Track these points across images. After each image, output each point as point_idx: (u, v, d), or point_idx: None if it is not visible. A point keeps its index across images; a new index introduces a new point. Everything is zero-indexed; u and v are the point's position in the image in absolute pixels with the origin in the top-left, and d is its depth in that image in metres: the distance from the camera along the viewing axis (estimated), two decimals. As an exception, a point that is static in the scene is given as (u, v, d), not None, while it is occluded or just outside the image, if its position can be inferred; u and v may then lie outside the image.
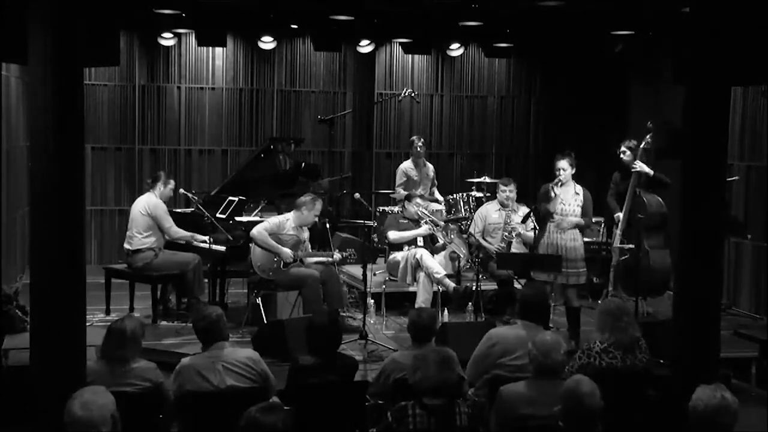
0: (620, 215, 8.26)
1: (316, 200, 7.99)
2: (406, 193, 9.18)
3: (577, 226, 7.44)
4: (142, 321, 5.58)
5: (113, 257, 10.49)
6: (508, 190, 8.58)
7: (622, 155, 8.29)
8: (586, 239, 7.90)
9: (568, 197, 7.46)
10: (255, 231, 7.83)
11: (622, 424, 4.72)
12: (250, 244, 7.87)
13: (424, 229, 8.65)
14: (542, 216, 7.51)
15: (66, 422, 3.47)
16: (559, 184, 7.43)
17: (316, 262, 8.04)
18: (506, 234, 8.47)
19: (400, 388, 4.77)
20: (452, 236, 9.02)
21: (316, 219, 8.09)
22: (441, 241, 8.70)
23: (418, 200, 8.82)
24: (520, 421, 4.36)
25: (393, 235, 8.66)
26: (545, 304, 5.61)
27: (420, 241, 8.64)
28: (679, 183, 5.12)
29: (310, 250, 8.06)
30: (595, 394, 3.83)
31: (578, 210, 7.44)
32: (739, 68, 4.92)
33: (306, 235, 8.06)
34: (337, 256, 8.00)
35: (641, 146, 8.16)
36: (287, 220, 7.96)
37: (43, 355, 4.29)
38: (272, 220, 7.96)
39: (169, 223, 8.10)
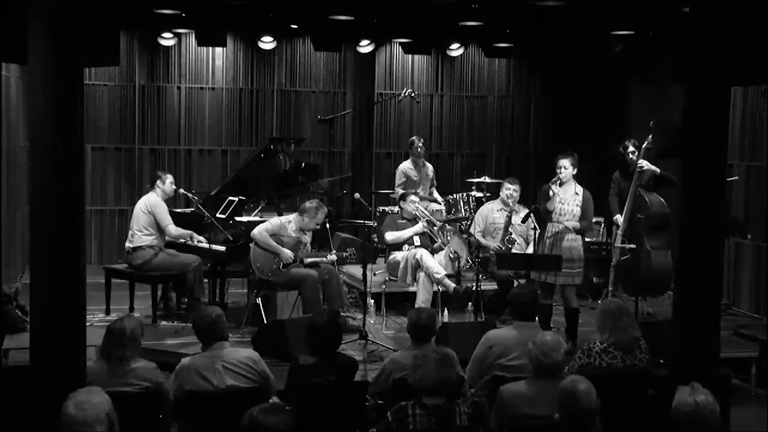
0: (619, 217, 8.24)
1: (320, 209, 7.93)
2: (401, 192, 9.19)
3: (574, 230, 7.43)
4: (142, 321, 5.57)
5: (113, 257, 10.50)
6: (512, 189, 8.56)
7: (630, 155, 8.26)
8: (586, 239, 7.89)
9: (568, 197, 7.46)
10: (256, 231, 7.82)
11: (622, 424, 4.72)
12: (251, 244, 7.86)
13: (419, 226, 8.65)
14: (541, 215, 7.51)
15: (62, 422, 3.48)
16: (558, 182, 7.43)
17: (314, 263, 8.03)
18: (507, 238, 8.47)
19: (400, 388, 4.77)
20: (449, 236, 9.01)
21: (317, 227, 8.05)
22: (438, 241, 8.70)
23: (413, 197, 8.82)
24: (520, 420, 4.36)
25: (390, 236, 8.66)
26: (536, 303, 5.63)
27: (417, 241, 8.63)
28: (679, 183, 5.12)
29: (310, 252, 8.06)
30: (591, 393, 3.83)
31: (577, 210, 7.44)
32: (739, 68, 4.92)
33: (307, 237, 8.05)
34: (331, 257, 7.99)
35: (643, 146, 8.14)
36: (289, 222, 7.96)
37: (43, 355, 4.30)
38: (274, 221, 7.96)
39: (167, 221, 8.10)
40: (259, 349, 6.08)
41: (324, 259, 8.03)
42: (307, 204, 7.98)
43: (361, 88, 11.78)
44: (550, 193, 7.40)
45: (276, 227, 7.89)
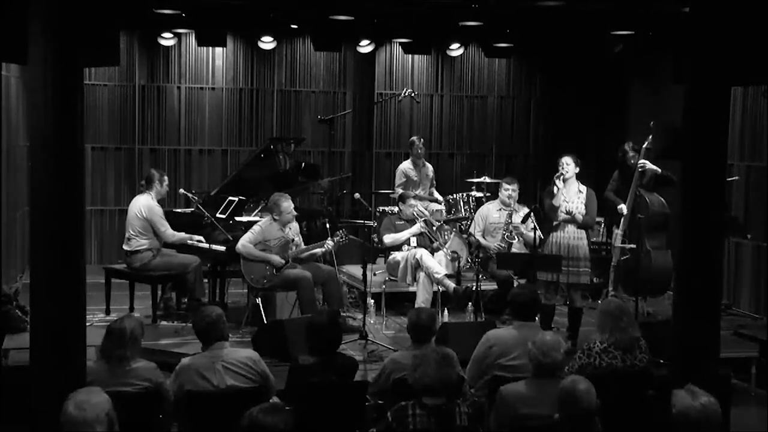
0: (623, 207, 8.22)
1: (282, 198, 7.81)
2: (400, 192, 9.17)
3: (577, 223, 7.42)
4: (142, 321, 5.56)
5: (113, 257, 10.48)
6: (511, 189, 8.57)
7: (630, 159, 8.25)
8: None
9: (572, 195, 7.45)
10: (239, 245, 7.71)
11: (622, 424, 4.72)
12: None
13: (417, 227, 8.64)
14: (545, 212, 7.51)
15: (62, 422, 3.48)
16: (561, 177, 7.42)
17: (311, 255, 7.98)
18: (507, 234, 8.47)
19: (400, 388, 4.77)
20: (446, 237, 9.01)
21: (294, 215, 7.98)
22: (436, 242, 8.69)
23: (412, 201, 8.82)
24: (520, 420, 4.36)
25: (388, 239, 8.66)
26: (537, 303, 5.63)
27: (413, 242, 8.62)
28: (679, 183, 5.12)
29: (303, 246, 8.03)
30: (591, 393, 3.84)
31: (581, 208, 7.43)
32: (739, 68, 4.92)
33: (292, 230, 7.98)
34: (330, 243, 7.91)
35: (644, 146, 8.14)
36: (270, 223, 7.88)
37: (43, 355, 4.30)
38: (254, 230, 7.81)
39: (164, 227, 8.01)
40: (259, 349, 6.08)
41: (323, 249, 7.98)
42: (269, 204, 7.88)
43: (361, 88, 11.78)
44: (555, 189, 7.41)
45: (258, 234, 7.77)
